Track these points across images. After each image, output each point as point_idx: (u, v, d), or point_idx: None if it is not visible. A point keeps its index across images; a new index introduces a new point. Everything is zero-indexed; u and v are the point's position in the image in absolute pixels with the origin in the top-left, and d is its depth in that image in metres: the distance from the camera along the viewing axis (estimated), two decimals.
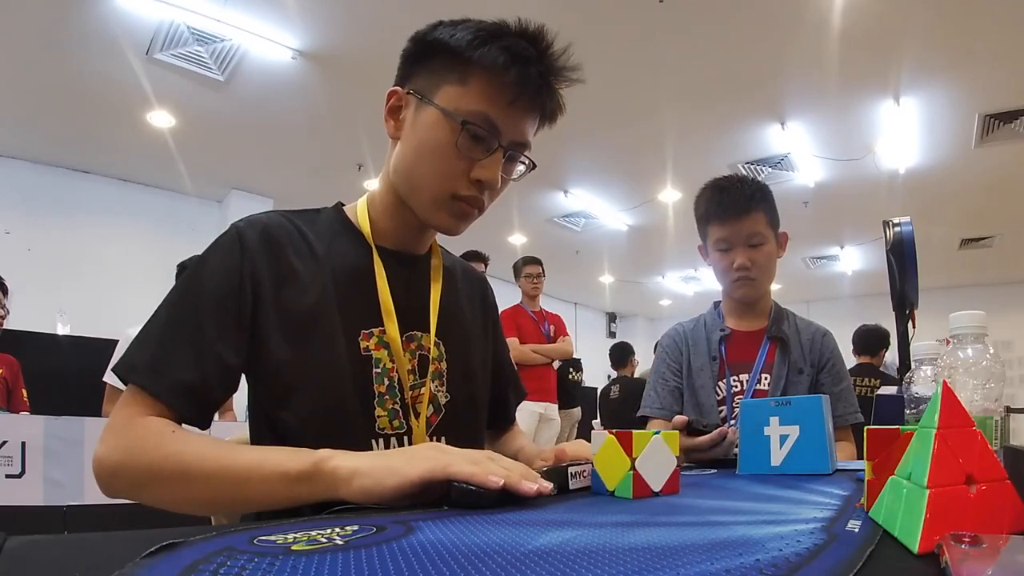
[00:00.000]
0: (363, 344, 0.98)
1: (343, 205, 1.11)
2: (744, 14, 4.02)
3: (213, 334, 0.88)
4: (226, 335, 0.90)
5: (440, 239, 1.16)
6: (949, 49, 4.31)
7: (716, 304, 1.86)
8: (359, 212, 1.07)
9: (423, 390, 1.03)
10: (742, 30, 4.18)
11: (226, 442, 0.83)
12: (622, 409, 5.57)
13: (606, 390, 6.13)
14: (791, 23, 4.10)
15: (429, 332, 1.05)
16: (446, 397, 1.07)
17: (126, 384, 0.87)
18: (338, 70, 4.57)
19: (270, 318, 0.93)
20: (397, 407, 0.99)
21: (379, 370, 0.98)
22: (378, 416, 0.97)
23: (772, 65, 4.57)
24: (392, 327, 1.00)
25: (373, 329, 0.99)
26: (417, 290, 1.07)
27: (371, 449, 0.96)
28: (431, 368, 1.04)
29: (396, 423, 0.99)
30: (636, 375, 6.58)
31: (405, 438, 0.99)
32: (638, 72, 4.61)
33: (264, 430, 0.96)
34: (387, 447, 0.97)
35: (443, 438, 1.04)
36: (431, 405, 1.03)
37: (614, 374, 6.51)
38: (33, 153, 6.03)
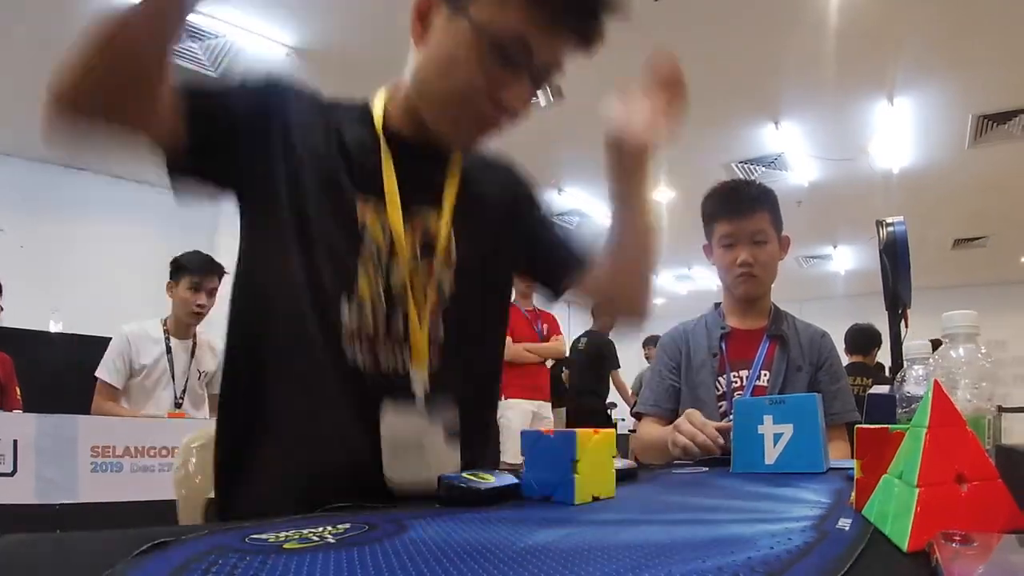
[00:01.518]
0: (359, 207, 0.91)
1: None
2: (739, 13, 4.02)
3: (238, 95, 0.89)
4: (249, 103, 0.89)
5: None
6: (944, 50, 4.32)
7: (717, 305, 1.88)
8: (375, 103, 1.00)
9: (428, 269, 0.94)
10: (737, 29, 4.18)
11: None
12: (587, 360, 5.67)
13: (577, 340, 6.16)
14: (786, 23, 4.10)
15: (440, 215, 0.97)
16: (452, 286, 0.96)
17: None
18: (332, 67, 4.54)
19: (279, 150, 0.90)
20: (380, 282, 0.91)
21: (367, 241, 0.91)
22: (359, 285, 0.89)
23: (767, 64, 4.57)
24: (394, 202, 0.93)
25: (371, 196, 0.92)
26: (430, 177, 0.98)
27: (340, 322, 0.88)
28: (439, 250, 0.95)
29: (375, 298, 0.90)
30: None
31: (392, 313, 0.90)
32: (632, 70, 4.59)
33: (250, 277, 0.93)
34: (365, 325, 0.89)
35: (442, 331, 0.95)
36: (437, 290, 0.95)
37: None
38: (26, 150, 6.00)
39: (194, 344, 3.01)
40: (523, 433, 0.80)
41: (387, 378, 0.89)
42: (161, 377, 2.92)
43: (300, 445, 0.87)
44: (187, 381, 2.95)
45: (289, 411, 0.89)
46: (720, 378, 1.74)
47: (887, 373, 4.76)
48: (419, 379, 0.90)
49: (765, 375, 1.71)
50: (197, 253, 3.00)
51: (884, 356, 5.05)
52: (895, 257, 1.21)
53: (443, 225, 0.96)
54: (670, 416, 1.74)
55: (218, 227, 6.87)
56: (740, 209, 1.72)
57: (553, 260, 1.11)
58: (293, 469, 0.87)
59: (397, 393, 0.89)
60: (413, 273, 0.93)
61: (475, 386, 0.99)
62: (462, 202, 0.99)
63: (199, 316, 2.94)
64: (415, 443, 0.87)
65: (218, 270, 2.96)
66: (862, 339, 4.74)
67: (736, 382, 1.72)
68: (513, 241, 1.08)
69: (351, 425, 0.88)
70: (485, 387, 1.06)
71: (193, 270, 2.91)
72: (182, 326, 2.98)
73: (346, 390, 0.88)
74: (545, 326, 4.74)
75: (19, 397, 3.43)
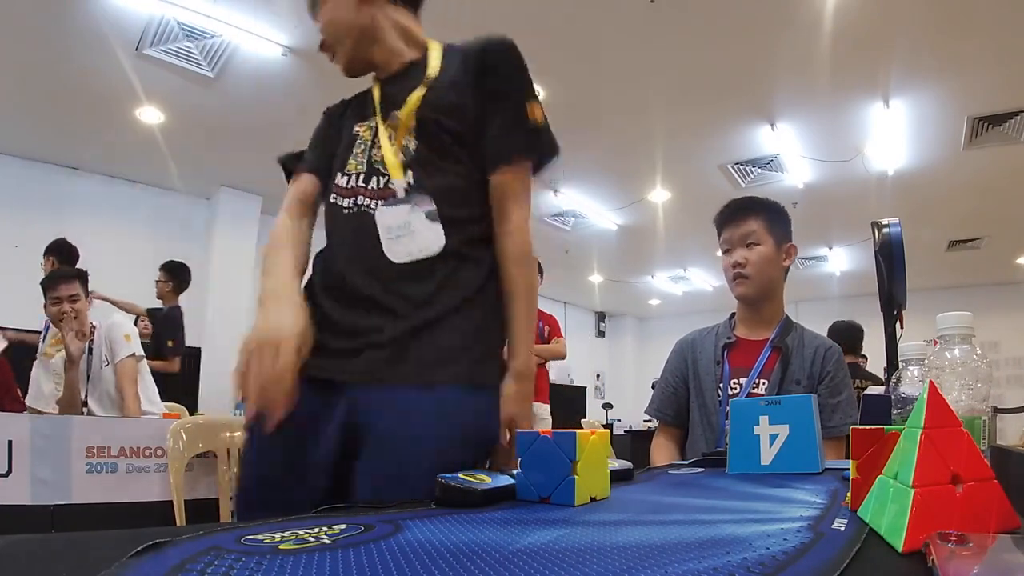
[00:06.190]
0: (357, 128, 1.29)
1: None
2: (734, 15, 4.03)
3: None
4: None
5: None
6: (939, 52, 4.33)
7: (732, 315, 1.97)
8: None
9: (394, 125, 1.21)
10: (732, 30, 4.19)
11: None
12: None
13: None
14: (781, 24, 4.11)
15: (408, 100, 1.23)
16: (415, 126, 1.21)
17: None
18: (328, 67, 4.50)
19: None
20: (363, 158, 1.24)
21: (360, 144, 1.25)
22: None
23: (762, 66, 4.58)
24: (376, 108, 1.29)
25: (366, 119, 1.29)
26: (405, 92, 1.25)
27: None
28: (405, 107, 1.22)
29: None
30: None
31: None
32: (628, 72, 4.60)
33: None
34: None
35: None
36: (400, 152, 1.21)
37: (604, 372, 6.54)
38: (21, 149, 5.98)
39: (90, 346, 2.89)
40: (519, 433, 0.80)
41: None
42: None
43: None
44: (88, 385, 2.87)
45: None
46: (720, 385, 1.81)
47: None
48: (399, 185, 1.16)
49: (763, 384, 1.76)
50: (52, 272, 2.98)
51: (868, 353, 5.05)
52: (890, 258, 1.21)
53: (412, 99, 1.22)
54: (672, 421, 1.92)
55: (215, 224, 6.87)
56: (732, 216, 1.87)
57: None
58: None
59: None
60: (390, 127, 1.23)
61: (445, 188, 1.19)
62: (429, 96, 1.24)
63: (75, 321, 2.80)
64: (404, 224, 1.14)
65: (68, 275, 2.89)
66: (849, 338, 4.62)
67: (735, 389, 1.76)
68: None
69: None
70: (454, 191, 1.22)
71: (48, 286, 2.89)
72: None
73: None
74: (547, 328, 4.74)
75: (21, 398, 3.37)
